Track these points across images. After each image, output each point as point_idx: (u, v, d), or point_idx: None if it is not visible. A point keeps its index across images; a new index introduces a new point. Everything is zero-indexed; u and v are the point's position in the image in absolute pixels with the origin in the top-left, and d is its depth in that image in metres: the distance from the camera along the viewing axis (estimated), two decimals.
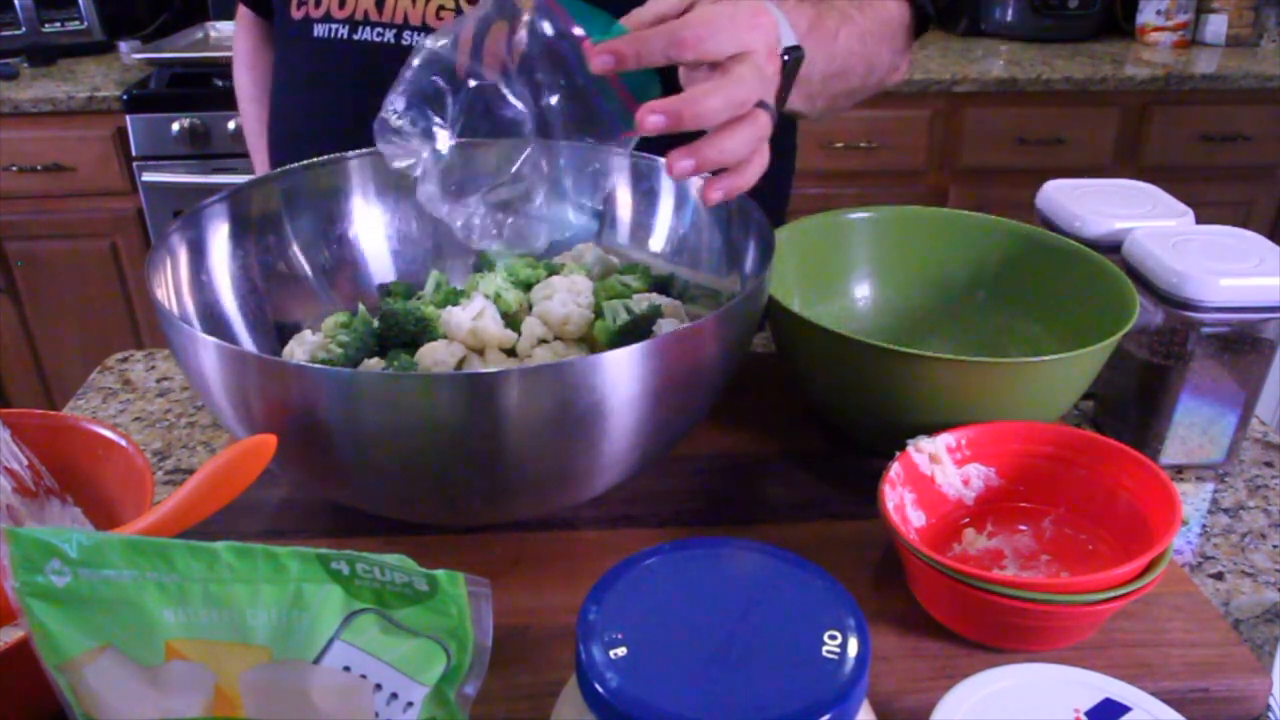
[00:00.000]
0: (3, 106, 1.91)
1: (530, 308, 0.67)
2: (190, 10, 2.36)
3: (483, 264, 0.73)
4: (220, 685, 0.37)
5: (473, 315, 0.64)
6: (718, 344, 0.54)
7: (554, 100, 0.57)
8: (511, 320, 0.67)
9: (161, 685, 0.36)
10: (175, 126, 1.92)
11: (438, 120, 0.57)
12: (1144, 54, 2.27)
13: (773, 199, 1.00)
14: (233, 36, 1.10)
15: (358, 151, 0.73)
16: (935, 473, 0.58)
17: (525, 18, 0.56)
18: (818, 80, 0.70)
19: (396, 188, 0.75)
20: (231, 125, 1.93)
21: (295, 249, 0.72)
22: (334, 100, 0.85)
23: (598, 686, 0.32)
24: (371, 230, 0.75)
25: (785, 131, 0.95)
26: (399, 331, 0.65)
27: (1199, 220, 0.76)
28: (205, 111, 1.93)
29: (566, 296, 0.66)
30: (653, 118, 0.51)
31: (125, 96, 1.91)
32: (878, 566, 0.58)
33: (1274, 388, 0.75)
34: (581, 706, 0.33)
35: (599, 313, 0.66)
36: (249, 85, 1.08)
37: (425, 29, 0.80)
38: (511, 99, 0.57)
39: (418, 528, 0.60)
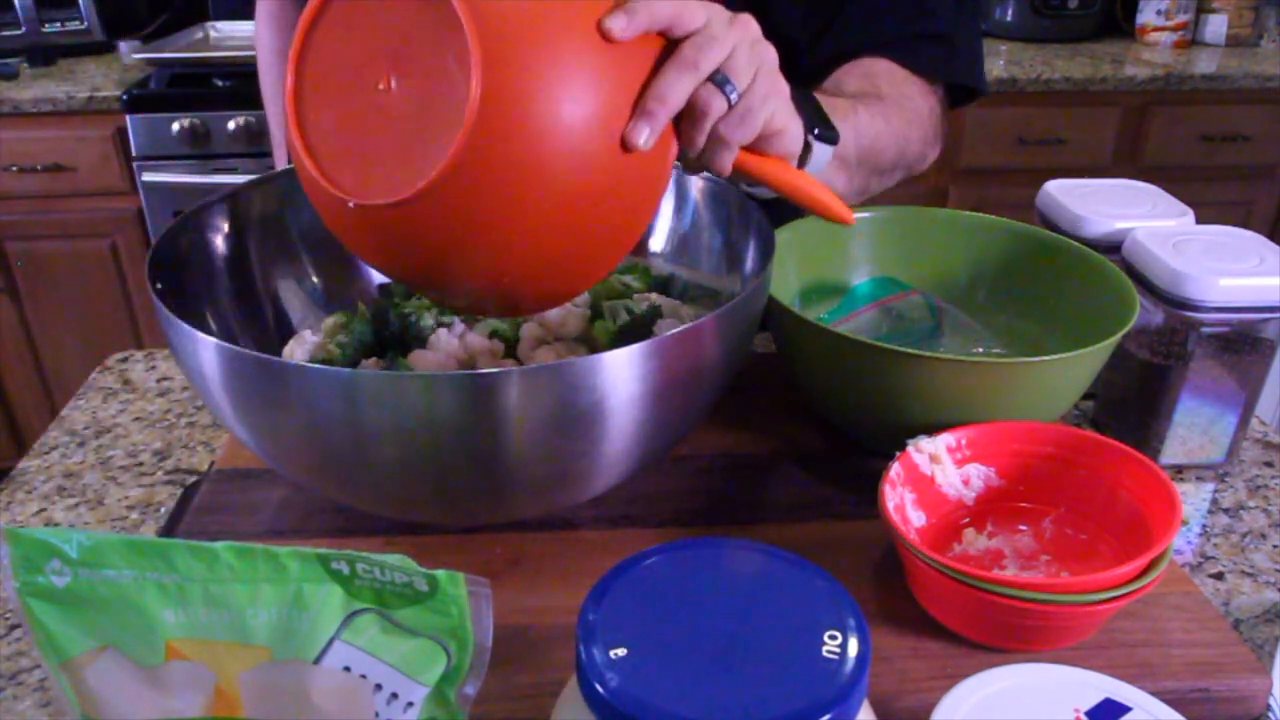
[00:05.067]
0: (3, 106, 1.91)
1: None
2: (190, 10, 2.36)
3: None
4: (220, 685, 0.37)
5: (459, 334, 0.65)
6: (718, 344, 0.54)
7: None
8: (508, 324, 0.67)
9: (161, 685, 0.36)
10: (175, 126, 1.92)
11: None
12: (1144, 54, 2.27)
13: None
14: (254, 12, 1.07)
15: None
16: (935, 473, 0.58)
17: None
18: (852, 156, 0.71)
19: None
20: (231, 125, 1.92)
21: (295, 248, 0.72)
22: None
23: (598, 687, 0.32)
24: None
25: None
26: (398, 333, 0.65)
27: (1199, 220, 0.76)
28: (205, 111, 1.93)
29: None
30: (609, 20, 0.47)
31: (125, 96, 1.91)
32: (878, 566, 0.58)
33: (1274, 388, 0.75)
34: (581, 707, 0.33)
35: (599, 313, 0.66)
36: (272, 38, 1.04)
37: None
38: None
39: (418, 528, 0.60)
